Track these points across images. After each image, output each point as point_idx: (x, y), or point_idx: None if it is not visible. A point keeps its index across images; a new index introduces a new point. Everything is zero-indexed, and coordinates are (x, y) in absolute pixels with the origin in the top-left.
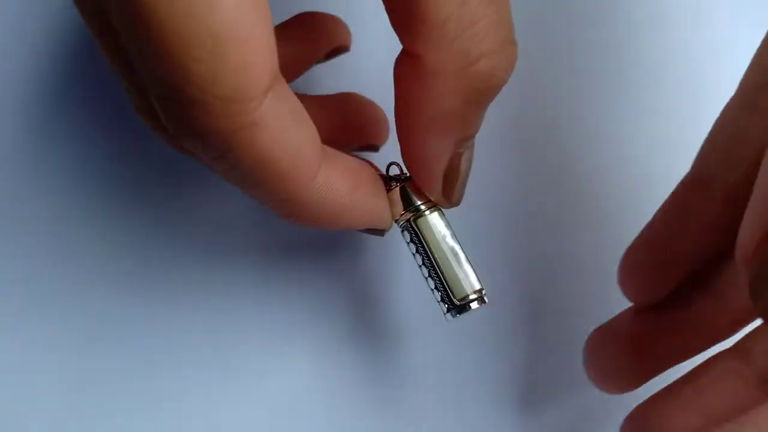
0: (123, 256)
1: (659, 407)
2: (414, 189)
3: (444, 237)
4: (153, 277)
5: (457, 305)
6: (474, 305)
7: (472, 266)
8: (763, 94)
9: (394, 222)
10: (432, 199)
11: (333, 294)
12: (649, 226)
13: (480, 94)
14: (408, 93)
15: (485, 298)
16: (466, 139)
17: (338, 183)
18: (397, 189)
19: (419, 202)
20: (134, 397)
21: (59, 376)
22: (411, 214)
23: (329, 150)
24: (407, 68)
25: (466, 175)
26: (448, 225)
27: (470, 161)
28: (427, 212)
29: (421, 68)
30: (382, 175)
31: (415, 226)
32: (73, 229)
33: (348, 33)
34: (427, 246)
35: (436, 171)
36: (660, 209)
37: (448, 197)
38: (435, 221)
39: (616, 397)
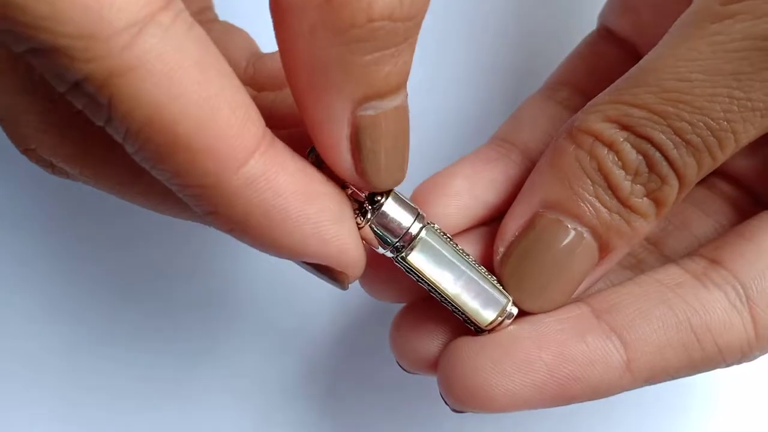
0: (120, 260)
1: None
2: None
3: (446, 267)
4: (148, 278)
5: (485, 330)
6: (507, 322)
7: (489, 280)
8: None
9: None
10: (346, 180)
11: (330, 296)
12: None
13: (356, 34)
14: (280, 41)
15: (514, 311)
16: (367, 98)
17: (283, 183)
18: (367, 227)
19: (400, 232)
20: (132, 401)
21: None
22: (396, 252)
23: (281, 144)
24: (274, 11)
25: (391, 148)
26: (447, 240)
27: (394, 129)
28: (418, 239)
29: (282, 6)
30: (356, 208)
31: (405, 265)
32: (70, 232)
33: None
34: (430, 283)
35: (333, 139)
36: None
37: (362, 175)
38: (427, 251)
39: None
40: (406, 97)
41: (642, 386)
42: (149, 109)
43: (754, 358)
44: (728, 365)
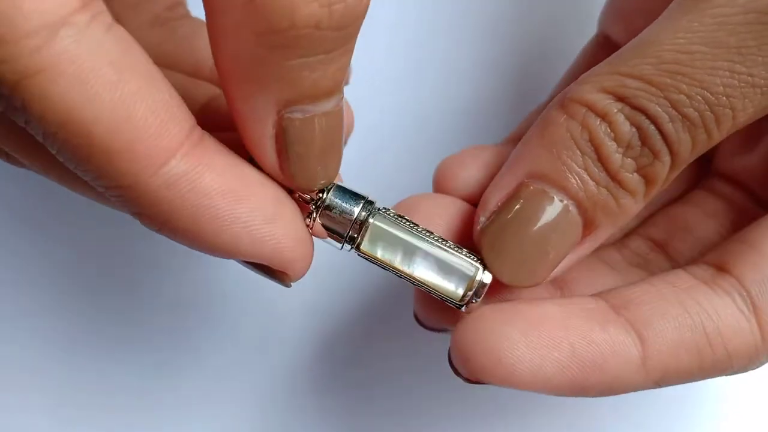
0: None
1: None
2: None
3: (403, 249)
4: (145, 277)
5: (460, 305)
6: (482, 295)
7: (454, 252)
8: None
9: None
10: (273, 178)
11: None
12: None
13: (278, 39)
14: (209, 32)
15: (486, 279)
16: (293, 101)
17: (209, 183)
18: (318, 225)
19: (348, 224)
20: (132, 400)
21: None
22: (350, 245)
23: (212, 143)
24: (204, 2)
25: (318, 152)
26: (402, 222)
27: (323, 134)
28: (366, 227)
29: (210, 1)
30: (301, 202)
31: (361, 256)
32: (55, 230)
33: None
34: (392, 269)
35: (256, 136)
36: None
37: (287, 175)
38: (380, 237)
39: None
40: (341, 101)
41: (651, 388)
42: (62, 111)
43: (760, 365)
44: (734, 372)
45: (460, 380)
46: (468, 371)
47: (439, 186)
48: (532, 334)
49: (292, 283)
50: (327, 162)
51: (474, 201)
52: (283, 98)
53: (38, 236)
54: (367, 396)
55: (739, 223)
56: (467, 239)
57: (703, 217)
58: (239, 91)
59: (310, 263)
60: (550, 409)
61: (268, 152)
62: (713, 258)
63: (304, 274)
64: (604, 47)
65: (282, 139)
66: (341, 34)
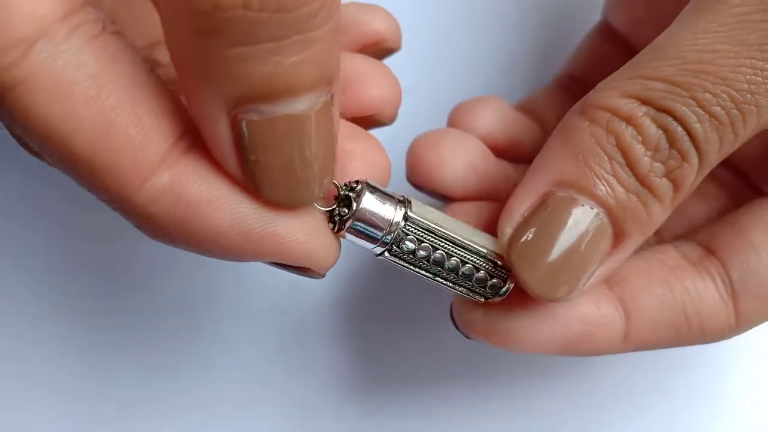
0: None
1: None
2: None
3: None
4: (157, 278)
5: (486, 303)
6: (507, 288)
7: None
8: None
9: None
10: (237, 183)
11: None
12: None
13: (206, 22)
14: (162, 27)
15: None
16: (246, 99)
17: (195, 194)
18: (344, 232)
19: (384, 228)
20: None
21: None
22: (382, 248)
23: (200, 151)
24: None
25: (286, 162)
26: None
27: (290, 140)
28: (400, 233)
29: None
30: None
31: (393, 260)
32: (66, 230)
33: (397, 30)
34: (425, 275)
35: (211, 137)
36: None
37: (252, 187)
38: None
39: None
40: (319, 101)
41: (628, 351)
42: (43, 124)
43: (728, 338)
44: (705, 343)
45: (477, 379)
46: (466, 333)
47: (454, 126)
48: (536, 310)
49: (324, 274)
50: (303, 175)
51: (486, 143)
52: (232, 95)
53: (51, 236)
54: (381, 397)
55: (730, 205)
56: (486, 177)
57: (694, 197)
58: (187, 85)
59: (333, 253)
60: (554, 391)
61: (226, 157)
62: (703, 237)
63: (331, 265)
64: (605, 34)
65: (240, 144)
66: (288, 17)
